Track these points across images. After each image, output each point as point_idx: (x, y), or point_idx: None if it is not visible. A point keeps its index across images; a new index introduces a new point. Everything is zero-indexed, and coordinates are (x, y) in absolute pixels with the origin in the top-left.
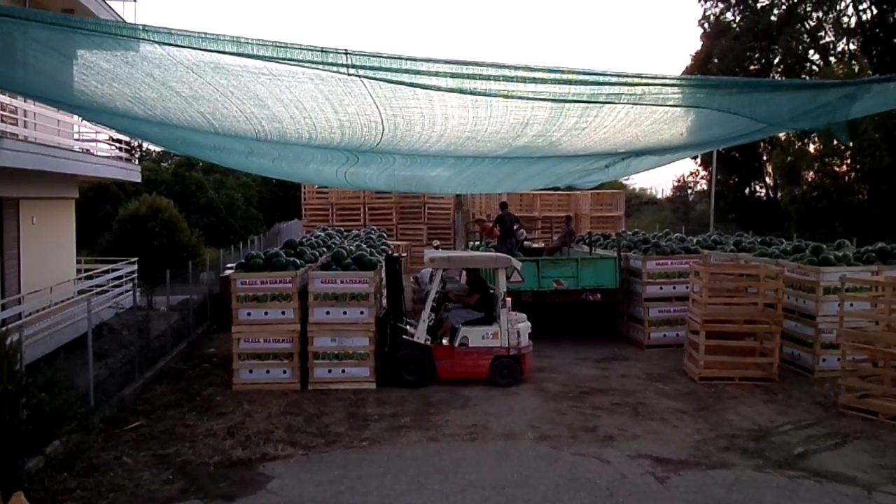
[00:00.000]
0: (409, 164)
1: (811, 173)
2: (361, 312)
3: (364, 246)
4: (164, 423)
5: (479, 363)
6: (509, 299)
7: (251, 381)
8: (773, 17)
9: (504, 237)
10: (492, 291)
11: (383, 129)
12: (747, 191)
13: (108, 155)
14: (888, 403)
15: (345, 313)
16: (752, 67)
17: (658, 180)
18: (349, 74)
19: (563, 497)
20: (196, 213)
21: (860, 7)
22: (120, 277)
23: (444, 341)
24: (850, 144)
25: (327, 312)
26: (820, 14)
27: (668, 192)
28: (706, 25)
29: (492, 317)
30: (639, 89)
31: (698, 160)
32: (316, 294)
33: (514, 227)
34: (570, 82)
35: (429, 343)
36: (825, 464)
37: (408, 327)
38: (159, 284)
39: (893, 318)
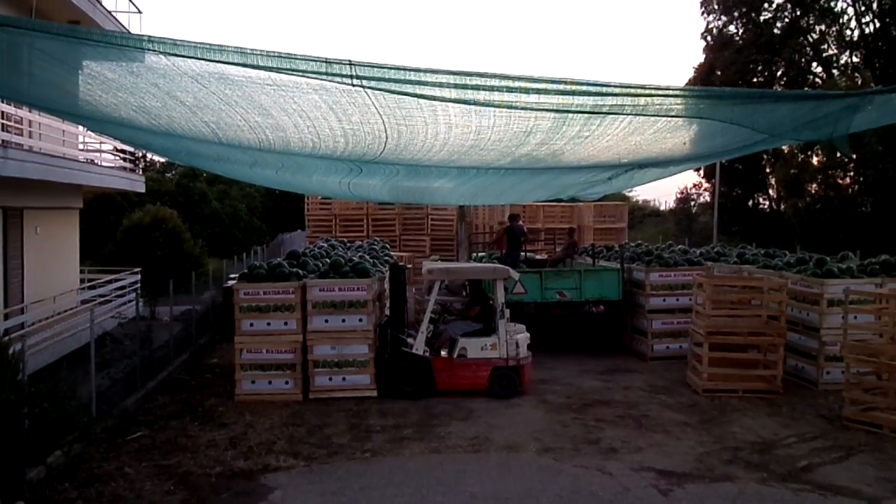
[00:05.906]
0: (412, 174)
1: (814, 185)
2: (360, 320)
3: (367, 257)
4: (165, 434)
5: (477, 374)
6: (508, 310)
7: (253, 392)
8: (775, 30)
9: (511, 249)
10: (491, 303)
11: (387, 138)
12: (750, 203)
13: (113, 165)
14: (893, 416)
15: (343, 321)
16: (755, 80)
17: (661, 192)
18: (353, 85)
19: None
20: (199, 223)
21: (863, 20)
22: (123, 287)
23: (443, 353)
24: (854, 156)
25: (326, 321)
26: (822, 27)
27: (672, 204)
28: (709, 38)
29: (490, 328)
30: (642, 100)
31: (701, 172)
32: (314, 302)
33: (521, 240)
34: (573, 93)
35: (427, 355)
36: (829, 477)
37: (408, 339)
38: (162, 295)
39: None
